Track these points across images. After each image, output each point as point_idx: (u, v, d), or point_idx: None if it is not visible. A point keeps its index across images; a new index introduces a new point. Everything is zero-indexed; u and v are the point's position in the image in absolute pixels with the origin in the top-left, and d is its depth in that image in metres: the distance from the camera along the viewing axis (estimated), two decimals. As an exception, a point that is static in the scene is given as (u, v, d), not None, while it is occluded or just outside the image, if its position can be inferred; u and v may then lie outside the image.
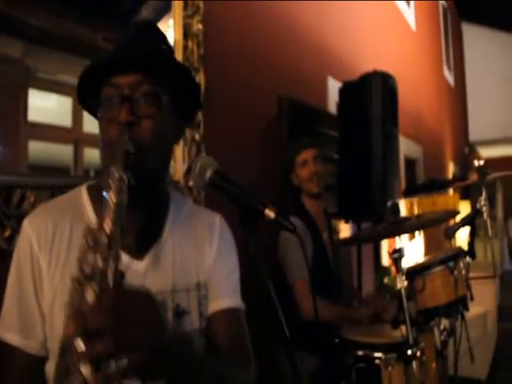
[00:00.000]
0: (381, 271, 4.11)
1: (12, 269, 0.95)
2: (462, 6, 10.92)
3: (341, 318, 2.17)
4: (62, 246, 0.92)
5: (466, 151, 9.67)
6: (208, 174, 0.86)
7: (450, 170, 9.03)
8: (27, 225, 0.95)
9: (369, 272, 4.02)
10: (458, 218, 2.37)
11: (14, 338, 0.92)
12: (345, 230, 3.47)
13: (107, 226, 0.70)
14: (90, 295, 0.65)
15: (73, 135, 1.73)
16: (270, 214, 0.81)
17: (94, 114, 0.97)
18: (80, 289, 0.66)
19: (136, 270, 0.93)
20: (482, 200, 2.08)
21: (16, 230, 1.41)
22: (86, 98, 0.97)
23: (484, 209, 2.08)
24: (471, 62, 12.05)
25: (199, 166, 0.87)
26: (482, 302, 4.48)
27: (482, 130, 11.60)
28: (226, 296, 1.03)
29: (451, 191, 6.38)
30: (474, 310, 4.09)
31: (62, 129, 1.71)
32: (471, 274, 2.14)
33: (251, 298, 1.12)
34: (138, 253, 0.95)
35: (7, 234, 1.41)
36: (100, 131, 0.92)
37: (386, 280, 4.03)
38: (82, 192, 1.00)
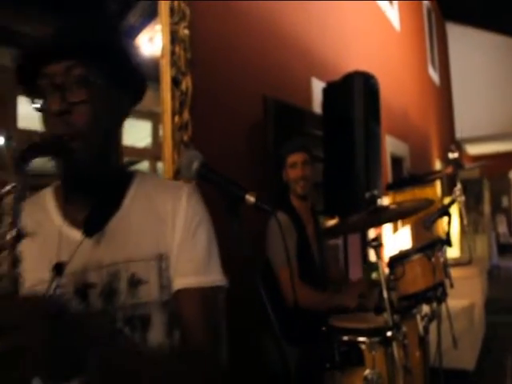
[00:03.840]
0: (368, 267, 4.20)
1: None
2: (446, 5, 11.10)
3: (326, 305, 2.26)
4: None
5: (452, 149, 9.82)
6: (195, 166, 0.95)
7: (437, 167, 9.17)
8: None
9: (357, 268, 4.12)
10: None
11: None
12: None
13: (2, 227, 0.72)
14: None
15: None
16: (250, 198, 0.90)
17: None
18: None
19: (87, 244, 0.93)
20: (457, 190, 2.19)
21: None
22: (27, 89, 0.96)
23: (459, 199, 2.19)
24: (456, 60, 12.24)
25: (187, 160, 0.96)
26: (469, 295, 4.61)
27: (468, 127, 11.80)
28: (194, 272, 0.97)
29: (438, 187, 6.51)
30: (460, 302, 4.23)
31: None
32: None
33: (235, 284, 1.12)
34: (89, 230, 0.94)
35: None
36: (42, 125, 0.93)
37: (373, 275, 4.12)
38: (47, 191, 1.04)
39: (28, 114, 1.66)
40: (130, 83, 1.00)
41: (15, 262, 0.70)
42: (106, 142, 0.96)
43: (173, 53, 2.30)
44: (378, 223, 2.12)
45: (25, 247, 0.73)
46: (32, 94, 0.93)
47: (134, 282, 0.93)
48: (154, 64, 2.25)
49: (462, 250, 6.94)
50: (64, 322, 0.68)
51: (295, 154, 2.53)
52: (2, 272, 0.68)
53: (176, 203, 1.00)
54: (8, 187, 0.74)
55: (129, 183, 1.03)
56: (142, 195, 1.01)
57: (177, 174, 2.19)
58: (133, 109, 1.05)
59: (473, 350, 4.32)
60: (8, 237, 0.71)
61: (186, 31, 2.38)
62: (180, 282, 0.96)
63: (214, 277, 0.99)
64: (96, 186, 0.96)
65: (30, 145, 0.81)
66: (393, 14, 6.95)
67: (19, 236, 0.72)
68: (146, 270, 0.94)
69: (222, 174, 0.95)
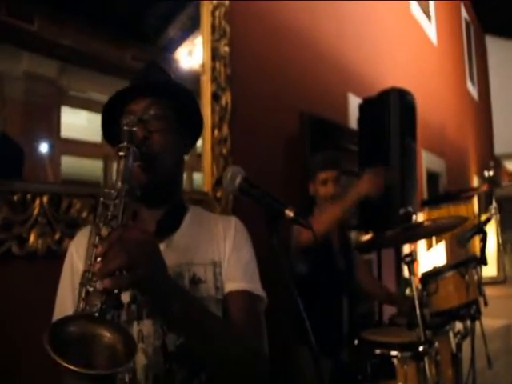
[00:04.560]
0: (403, 283, 4.18)
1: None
2: (486, 18, 10.94)
3: (336, 213, 2.23)
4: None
5: (491, 165, 9.63)
6: (237, 180, 1.02)
7: (475, 183, 9.01)
8: (71, 242, 1.22)
9: (391, 284, 4.10)
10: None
11: None
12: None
13: (115, 184, 0.93)
14: (104, 231, 0.88)
15: (102, 151, 1.82)
16: (289, 213, 0.96)
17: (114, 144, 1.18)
18: (97, 230, 0.89)
19: None
20: (493, 208, 2.19)
21: (65, 234, 1.60)
22: (108, 131, 1.20)
23: (494, 217, 2.19)
24: (496, 74, 12.00)
25: (230, 174, 1.03)
26: (505, 315, 4.50)
27: (508, 142, 11.51)
28: (242, 279, 1.14)
29: (475, 204, 6.41)
30: (495, 322, 4.14)
31: (92, 144, 1.80)
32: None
33: (271, 296, 1.20)
34: (157, 238, 1.10)
35: (57, 236, 1.59)
36: None
37: (408, 291, 4.11)
38: None
39: (71, 124, 1.76)
40: (191, 121, 1.23)
41: (125, 209, 0.91)
42: (174, 165, 1.18)
43: (213, 69, 2.38)
44: (412, 239, 2.13)
45: None
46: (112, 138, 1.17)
47: (195, 281, 1.11)
48: (193, 77, 2.33)
49: (498, 268, 6.80)
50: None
51: (327, 171, 2.48)
52: (114, 214, 0.90)
53: (226, 229, 1.21)
54: (122, 152, 0.96)
55: (186, 209, 1.24)
56: (197, 219, 1.23)
57: (215, 186, 2.26)
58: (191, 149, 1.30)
59: (508, 371, 4.21)
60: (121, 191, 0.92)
61: (227, 48, 2.47)
62: (229, 286, 1.14)
63: (256, 286, 1.17)
64: (165, 202, 1.18)
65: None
66: (430, 28, 6.93)
67: (129, 190, 0.93)
68: (204, 272, 1.13)
69: (262, 189, 1.01)
